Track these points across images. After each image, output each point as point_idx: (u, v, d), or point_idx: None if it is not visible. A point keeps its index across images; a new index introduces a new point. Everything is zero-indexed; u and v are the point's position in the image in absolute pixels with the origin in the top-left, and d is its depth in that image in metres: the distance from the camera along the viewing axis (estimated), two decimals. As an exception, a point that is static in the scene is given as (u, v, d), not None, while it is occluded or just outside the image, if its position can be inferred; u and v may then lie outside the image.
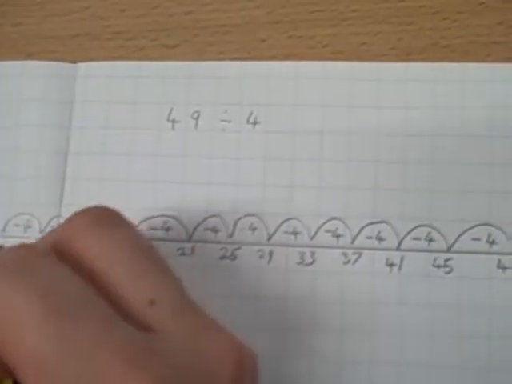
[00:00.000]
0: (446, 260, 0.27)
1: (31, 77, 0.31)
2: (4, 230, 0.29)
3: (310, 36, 0.32)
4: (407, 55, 0.31)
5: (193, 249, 0.29)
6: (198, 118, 0.30)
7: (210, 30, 0.32)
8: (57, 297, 0.18)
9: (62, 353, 0.17)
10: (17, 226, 0.29)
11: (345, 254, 0.28)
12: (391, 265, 0.28)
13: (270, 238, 0.28)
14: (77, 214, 0.21)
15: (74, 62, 0.32)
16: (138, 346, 0.18)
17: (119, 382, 0.17)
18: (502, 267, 0.27)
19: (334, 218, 0.28)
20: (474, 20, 0.31)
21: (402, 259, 0.28)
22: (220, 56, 0.31)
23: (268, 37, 0.32)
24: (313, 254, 0.28)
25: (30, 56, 0.32)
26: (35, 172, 0.30)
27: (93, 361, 0.17)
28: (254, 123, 0.29)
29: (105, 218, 0.21)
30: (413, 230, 0.28)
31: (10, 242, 0.22)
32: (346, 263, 0.28)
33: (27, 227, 0.29)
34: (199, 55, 0.32)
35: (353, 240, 0.28)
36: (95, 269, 0.20)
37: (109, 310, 0.19)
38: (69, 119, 0.30)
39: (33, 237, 0.29)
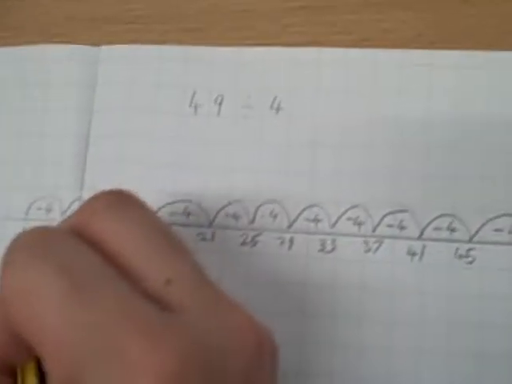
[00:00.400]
0: (468, 250, 0.27)
1: (54, 60, 0.31)
2: (27, 213, 0.30)
3: (333, 22, 0.32)
4: (431, 44, 0.31)
5: (213, 234, 0.29)
6: (221, 103, 0.30)
7: (233, 16, 0.32)
8: (79, 273, 0.18)
9: (83, 326, 0.18)
10: (39, 209, 0.30)
11: (366, 242, 0.28)
12: (413, 254, 0.28)
13: (290, 225, 0.29)
14: (92, 198, 0.22)
15: (95, 45, 0.32)
16: (158, 322, 0.18)
17: (140, 356, 0.17)
18: (522, 257, 0.27)
19: (356, 206, 0.28)
20: (502, 7, 0.31)
21: (423, 248, 0.28)
22: (242, 42, 0.31)
23: (292, 23, 0.32)
24: (334, 241, 0.28)
25: (50, 39, 0.32)
26: (57, 155, 0.30)
27: (114, 335, 0.18)
28: (278, 109, 0.29)
29: (120, 201, 0.22)
30: (435, 219, 0.28)
31: (32, 225, 0.22)
32: (367, 251, 0.28)
33: (49, 210, 0.30)
34: (221, 41, 0.32)
35: (374, 228, 0.28)
36: (112, 250, 0.20)
37: (128, 287, 0.19)
38: (91, 102, 0.30)
39: (55, 219, 0.30)
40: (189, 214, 0.29)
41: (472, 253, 0.27)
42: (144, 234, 0.20)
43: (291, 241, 0.28)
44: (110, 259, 0.20)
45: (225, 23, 0.32)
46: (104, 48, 0.31)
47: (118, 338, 0.18)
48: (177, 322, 0.19)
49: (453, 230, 0.28)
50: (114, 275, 0.19)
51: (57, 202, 0.30)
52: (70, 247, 0.19)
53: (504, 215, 0.28)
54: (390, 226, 0.28)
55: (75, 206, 0.30)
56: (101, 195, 0.22)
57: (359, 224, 0.28)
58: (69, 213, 0.30)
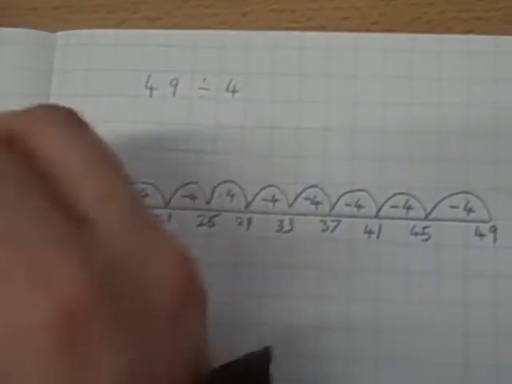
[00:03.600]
0: (424, 228, 0.29)
1: (9, 45, 0.33)
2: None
3: (292, 10, 0.34)
4: (388, 30, 0.33)
5: (170, 216, 0.30)
6: (176, 85, 0.31)
7: (192, 3, 0.34)
8: None
9: None
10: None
11: (323, 222, 0.30)
12: (369, 232, 0.29)
13: (248, 205, 0.30)
14: (35, 108, 0.22)
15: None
16: (71, 234, 0.18)
17: (49, 267, 0.17)
18: (479, 235, 0.29)
19: (313, 186, 0.30)
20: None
21: (380, 227, 0.29)
22: (202, 29, 0.33)
23: (250, 10, 0.34)
24: (291, 221, 0.30)
25: (11, 27, 0.34)
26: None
27: (23, 239, 0.18)
28: (233, 91, 0.31)
29: (64, 119, 0.22)
30: (391, 197, 0.29)
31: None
32: (324, 230, 0.29)
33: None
34: (181, 28, 0.33)
35: (331, 208, 0.30)
36: (47, 162, 0.20)
37: (48, 200, 0.19)
38: (47, 88, 0.32)
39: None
40: (145, 196, 0.30)
41: (428, 230, 0.29)
42: (84, 152, 0.21)
43: (249, 221, 0.30)
44: (39, 169, 0.20)
45: (183, 11, 0.34)
46: (60, 33, 0.32)
47: (26, 246, 0.18)
48: (96, 238, 0.19)
49: (409, 208, 0.29)
50: (36, 187, 0.19)
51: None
52: None
53: (459, 193, 0.29)
54: (347, 205, 0.30)
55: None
56: (49, 107, 0.22)
57: (316, 203, 0.30)
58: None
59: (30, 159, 0.20)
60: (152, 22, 0.33)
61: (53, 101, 0.32)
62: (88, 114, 0.30)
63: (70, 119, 0.22)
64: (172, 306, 0.20)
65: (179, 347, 0.20)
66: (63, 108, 0.22)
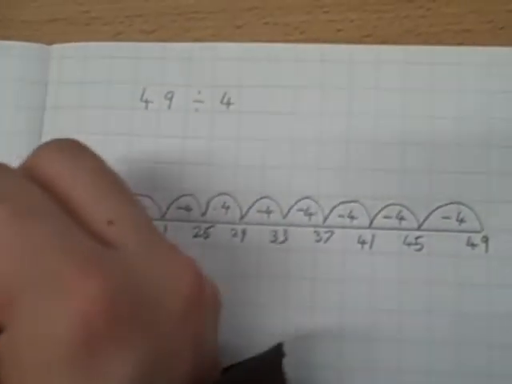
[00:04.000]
0: (417, 238, 0.30)
1: (5, 57, 0.33)
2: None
3: (286, 23, 0.34)
4: (381, 43, 0.34)
5: (165, 227, 0.31)
6: (171, 98, 0.32)
7: (187, 16, 0.35)
8: (22, 204, 0.20)
9: (19, 253, 0.19)
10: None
11: (317, 233, 0.30)
12: (363, 243, 0.30)
13: (242, 217, 0.31)
14: (44, 144, 0.24)
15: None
16: (93, 253, 0.20)
17: (71, 281, 0.19)
18: (471, 244, 0.30)
19: (307, 197, 0.31)
20: (447, 9, 0.34)
21: (373, 237, 0.30)
22: (196, 42, 0.34)
23: (244, 23, 0.34)
24: (285, 232, 0.30)
25: (6, 40, 0.34)
26: (8, 155, 0.32)
27: (49, 262, 0.19)
28: (228, 104, 0.32)
29: (71, 147, 0.24)
30: (384, 208, 0.30)
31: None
32: (318, 241, 0.30)
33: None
34: (176, 41, 0.34)
35: (325, 219, 0.30)
36: (59, 191, 0.22)
37: (70, 222, 0.21)
38: (43, 100, 0.32)
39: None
40: (141, 208, 0.31)
41: (420, 240, 0.30)
42: (91, 178, 0.22)
43: (244, 232, 0.30)
44: (56, 198, 0.21)
45: (178, 24, 0.34)
46: (55, 46, 0.33)
47: (53, 265, 0.19)
48: (113, 255, 0.20)
49: (402, 219, 0.30)
50: (58, 211, 0.21)
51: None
52: (17, 182, 0.21)
53: (451, 203, 0.30)
54: (340, 216, 0.30)
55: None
56: (52, 141, 0.24)
57: (310, 214, 0.30)
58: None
59: (48, 189, 0.21)
60: (147, 35, 0.34)
61: (48, 113, 0.32)
62: (83, 127, 0.31)
63: (73, 148, 0.23)
64: (185, 314, 0.21)
65: (191, 349, 0.22)
66: (65, 139, 0.24)
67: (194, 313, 0.22)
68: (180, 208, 0.30)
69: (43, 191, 0.21)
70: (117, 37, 0.34)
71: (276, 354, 0.25)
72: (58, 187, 0.22)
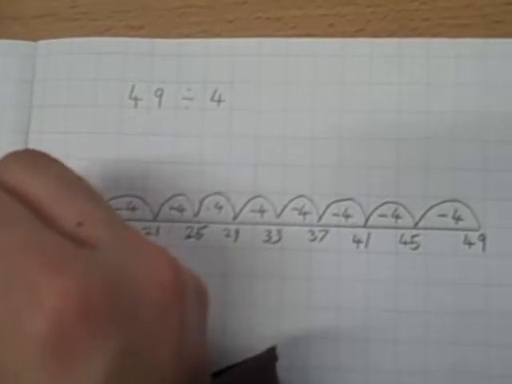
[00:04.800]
0: (413, 236, 0.30)
1: (-10, 55, 0.32)
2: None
3: (277, 18, 0.34)
4: (375, 37, 0.34)
5: (158, 229, 0.31)
6: (161, 95, 0.32)
7: (177, 12, 0.34)
8: None
9: None
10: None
11: (311, 232, 0.30)
12: (358, 242, 0.30)
13: (236, 217, 0.31)
14: (6, 154, 0.24)
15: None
16: (65, 251, 0.20)
17: (44, 280, 0.19)
18: (468, 243, 0.30)
19: (301, 196, 0.30)
20: (442, 3, 0.34)
21: (368, 236, 0.30)
22: (186, 38, 0.34)
23: (235, 18, 0.34)
24: (279, 231, 0.30)
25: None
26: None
27: (19, 260, 0.19)
28: (219, 101, 0.31)
29: (27, 156, 0.24)
30: (379, 206, 0.30)
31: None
32: (312, 240, 0.30)
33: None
34: (165, 37, 0.34)
35: (319, 217, 0.30)
36: (24, 199, 0.22)
37: (39, 223, 0.21)
38: (30, 98, 0.32)
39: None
40: (133, 209, 0.31)
41: (416, 239, 0.30)
42: (54, 183, 0.23)
43: (237, 232, 0.30)
44: (24, 204, 0.21)
45: (167, 19, 0.34)
46: (41, 42, 0.33)
47: (23, 265, 0.19)
48: (86, 253, 0.20)
49: (397, 217, 0.30)
50: (27, 214, 0.21)
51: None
52: None
53: (447, 201, 0.30)
54: (335, 214, 0.30)
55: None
56: (14, 152, 0.24)
57: (304, 213, 0.30)
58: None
59: (14, 194, 0.22)
60: (136, 31, 0.34)
61: (35, 112, 0.32)
62: (71, 126, 0.31)
63: (32, 157, 0.24)
64: (163, 301, 0.21)
65: (174, 341, 0.22)
66: (23, 150, 0.25)
67: (174, 301, 0.22)
68: (172, 208, 0.30)
69: (11, 197, 0.21)
70: (105, 33, 0.34)
71: (269, 357, 0.25)
72: (24, 195, 0.22)
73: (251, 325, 0.29)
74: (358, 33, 0.33)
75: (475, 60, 0.30)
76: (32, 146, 0.32)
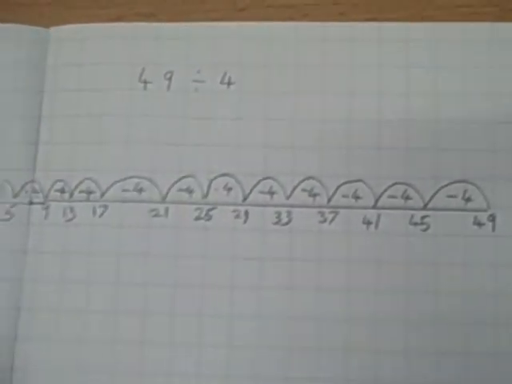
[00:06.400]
0: (423, 217, 0.31)
1: (3, 40, 0.34)
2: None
3: (289, 5, 0.36)
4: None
5: (167, 210, 0.32)
6: (170, 78, 0.33)
7: (188, 1, 0.36)
8: None
9: None
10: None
11: (321, 213, 0.31)
12: (368, 223, 0.31)
13: (245, 198, 0.32)
14: None
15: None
16: None
17: None
18: (477, 223, 0.31)
19: (310, 178, 0.32)
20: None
21: (378, 217, 0.31)
22: (196, 24, 0.35)
23: (246, 6, 0.35)
24: (289, 213, 0.31)
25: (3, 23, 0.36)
26: (8, 137, 0.33)
27: None
28: (229, 83, 0.33)
29: None
30: (389, 187, 0.31)
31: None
32: (322, 222, 0.31)
33: (0, 191, 0.33)
34: (175, 24, 0.35)
35: (329, 199, 0.31)
36: None
37: None
38: (41, 83, 0.34)
39: (7, 202, 0.33)
40: (141, 190, 0.32)
41: (426, 220, 0.31)
42: None
43: (246, 214, 0.31)
44: None
45: (179, 7, 0.35)
46: (53, 28, 0.34)
47: None
48: None
49: (407, 198, 0.31)
50: None
51: (8, 184, 0.33)
52: None
53: (457, 182, 0.31)
54: (344, 196, 0.31)
55: (28, 189, 0.32)
56: None
57: (314, 195, 0.31)
58: (22, 195, 0.32)
59: None
60: (147, 18, 0.35)
61: (47, 96, 0.33)
62: (82, 108, 0.32)
63: None
64: None
65: None
66: None
67: None
68: (181, 190, 0.31)
69: None
70: (116, 20, 0.35)
71: None
72: None
73: (260, 307, 0.30)
74: (369, 22, 0.34)
75: (483, 43, 0.31)
76: (43, 131, 0.33)
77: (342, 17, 0.34)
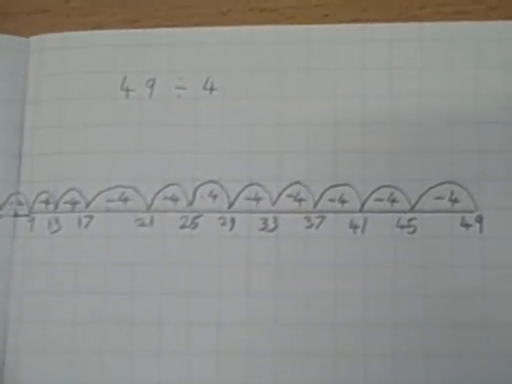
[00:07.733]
0: (410, 220, 0.31)
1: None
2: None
3: (272, 9, 0.36)
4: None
5: (152, 219, 0.32)
6: (152, 85, 0.34)
7: (171, 4, 0.36)
8: None
9: None
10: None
11: (308, 218, 0.32)
12: (355, 227, 0.32)
13: (231, 205, 0.32)
14: None
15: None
16: None
17: None
18: (465, 225, 0.31)
19: (296, 183, 0.32)
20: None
21: (365, 221, 0.32)
22: (179, 30, 0.35)
23: (229, 10, 0.36)
24: (275, 219, 0.32)
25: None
26: (-9, 149, 0.34)
27: None
28: (211, 89, 0.33)
29: None
30: (375, 191, 0.32)
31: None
32: (309, 227, 0.32)
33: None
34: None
35: (315, 204, 0.32)
36: None
37: None
38: (23, 94, 0.34)
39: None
40: (126, 200, 0.32)
41: (413, 222, 0.31)
42: None
43: (232, 221, 0.32)
44: None
45: (161, 13, 0.36)
46: (33, 38, 0.34)
47: None
48: None
49: (394, 201, 0.31)
50: None
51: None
52: None
53: (443, 183, 0.32)
54: (331, 200, 0.32)
55: (13, 200, 0.33)
56: None
57: (300, 200, 0.32)
58: (7, 207, 0.33)
59: None
60: (130, 25, 0.36)
61: (29, 106, 0.34)
62: (65, 119, 0.33)
63: None
64: None
65: None
66: None
67: None
68: (166, 198, 0.32)
69: None
70: (98, 28, 0.35)
71: None
72: None
73: (248, 313, 0.30)
74: (353, 23, 0.35)
75: (469, 43, 0.32)
76: (26, 141, 0.33)
77: (326, 18, 0.35)
